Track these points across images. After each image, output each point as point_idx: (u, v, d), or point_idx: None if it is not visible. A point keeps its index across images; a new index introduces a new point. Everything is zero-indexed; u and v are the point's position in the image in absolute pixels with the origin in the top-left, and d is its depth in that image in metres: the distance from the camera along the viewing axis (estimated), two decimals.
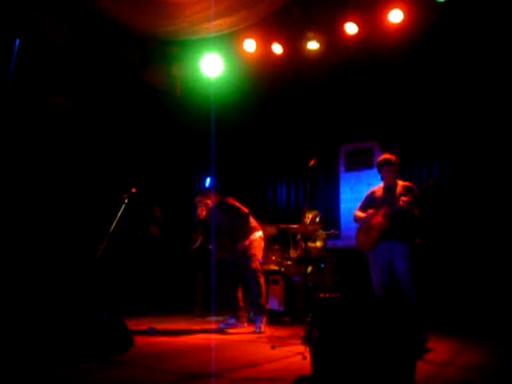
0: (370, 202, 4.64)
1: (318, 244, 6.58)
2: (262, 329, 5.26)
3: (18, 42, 2.72)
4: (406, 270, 4.24)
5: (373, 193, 4.66)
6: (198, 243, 7.28)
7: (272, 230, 7.03)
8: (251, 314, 5.89)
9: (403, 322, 2.80)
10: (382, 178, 4.61)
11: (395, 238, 4.33)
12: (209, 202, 5.77)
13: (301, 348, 3.83)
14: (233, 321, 5.62)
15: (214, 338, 4.90)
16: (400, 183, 4.54)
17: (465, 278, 6.32)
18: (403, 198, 4.25)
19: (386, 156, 4.58)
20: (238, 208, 5.65)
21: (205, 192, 5.88)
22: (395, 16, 6.03)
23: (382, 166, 4.54)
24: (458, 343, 4.53)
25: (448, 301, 6.22)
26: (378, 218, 4.43)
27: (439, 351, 4.03)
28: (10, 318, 4.95)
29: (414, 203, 4.28)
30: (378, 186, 4.70)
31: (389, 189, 4.52)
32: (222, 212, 5.70)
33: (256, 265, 5.53)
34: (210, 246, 6.86)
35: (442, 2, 5.69)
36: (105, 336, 3.81)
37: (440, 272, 6.45)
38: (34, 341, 4.35)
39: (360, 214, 4.64)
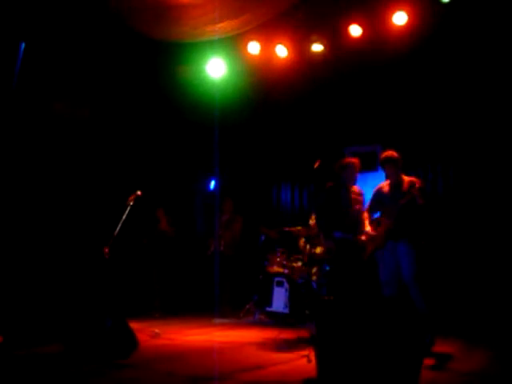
0: (377, 199, 4.66)
1: (321, 248, 6.54)
2: None
3: (23, 45, 2.74)
4: (410, 271, 4.24)
5: (380, 188, 4.68)
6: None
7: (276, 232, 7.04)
8: (257, 317, 5.88)
9: (409, 324, 2.79)
10: (387, 176, 4.62)
11: (401, 239, 4.33)
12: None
13: (306, 350, 3.81)
14: None
15: (218, 340, 4.88)
16: (406, 179, 4.53)
17: (468, 280, 6.27)
18: (412, 191, 4.23)
19: (388, 153, 4.56)
20: None
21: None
22: (399, 18, 6.02)
23: (385, 164, 4.55)
24: (462, 347, 4.49)
25: (452, 303, 6.17)
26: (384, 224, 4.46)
27: (443, 355, 4.00)
28: (15, 320, 4.96)
29: (421, 195, 4.25)
30: (384, 182, 4.71)
31: (395, 186, 4.52)
32: None
33: None
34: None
35: (447, 3, 5.67)
36: (109, 339, 3.81)
37: (443, 274, 6.40)
38: (37, 343, 4.36)
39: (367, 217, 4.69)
